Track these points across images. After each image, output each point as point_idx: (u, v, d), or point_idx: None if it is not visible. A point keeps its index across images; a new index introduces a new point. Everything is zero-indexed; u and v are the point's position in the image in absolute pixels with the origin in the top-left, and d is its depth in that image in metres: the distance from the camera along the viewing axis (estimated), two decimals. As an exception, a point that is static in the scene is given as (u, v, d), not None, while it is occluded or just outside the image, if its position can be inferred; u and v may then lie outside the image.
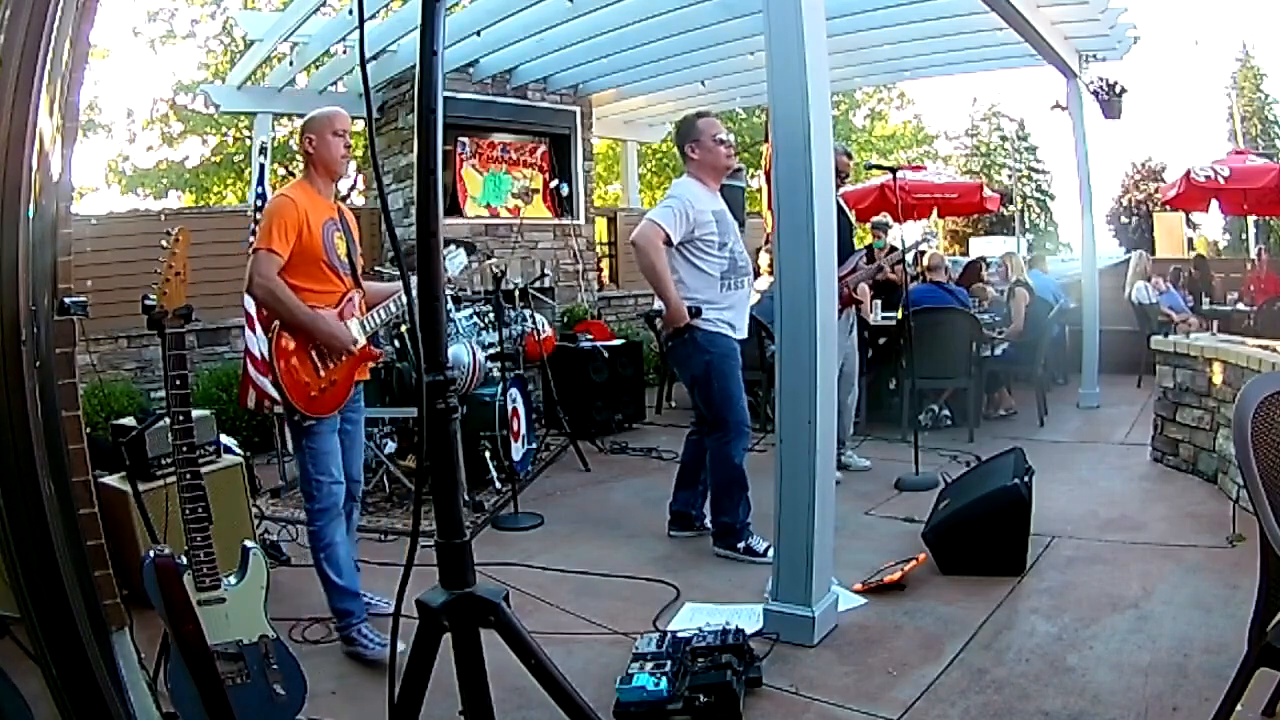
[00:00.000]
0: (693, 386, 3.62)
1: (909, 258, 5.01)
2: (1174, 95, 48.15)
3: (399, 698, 1.29)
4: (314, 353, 2.69)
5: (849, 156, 4.92)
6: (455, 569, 1.27)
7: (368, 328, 2.84)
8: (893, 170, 5.33)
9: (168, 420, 2.02)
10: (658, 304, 3.57)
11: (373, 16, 5.82)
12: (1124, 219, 27.68)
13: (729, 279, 3.52)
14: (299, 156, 3.04)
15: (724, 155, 3.59)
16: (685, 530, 3.77)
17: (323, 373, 2.72)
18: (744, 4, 5.43)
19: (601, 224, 9.22)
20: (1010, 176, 27.93)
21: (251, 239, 5.13)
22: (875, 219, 7.53)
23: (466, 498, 4.22)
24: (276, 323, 2.66)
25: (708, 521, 3.72)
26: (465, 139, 7.00)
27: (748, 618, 2.73)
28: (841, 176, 4.69)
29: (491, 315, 5.00)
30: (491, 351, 4.84)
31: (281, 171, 13.41)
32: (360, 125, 10.73)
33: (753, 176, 8.49)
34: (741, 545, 3.46)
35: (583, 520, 4.17)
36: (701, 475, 3.69)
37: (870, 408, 5.76)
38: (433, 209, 1.21)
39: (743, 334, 3.58)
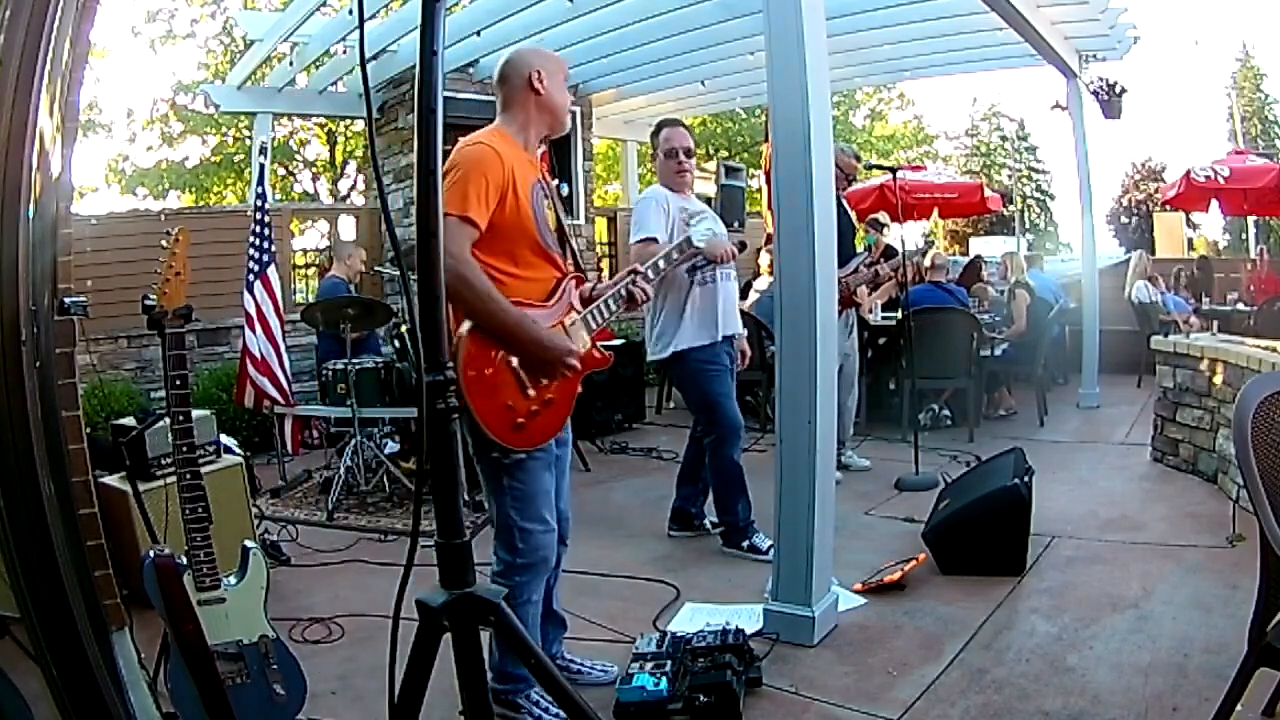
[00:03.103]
0: (682, 390, 3.60)
1: (910, 252, 5.01)
2: (1174, 95, 48.12)
3: (399, 698, 1.29)
4: (517, 362, 2.02)
5: (857, 159, 4.89)
6: (455, 569, 1.27)
7: (594, 323, 2.17)
8: (893, 170, 5.34)
9: (168, 420, 2.01)
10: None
11: (373, 16, 5.82)
12: (1124, 219, 27.66)
13: (694, 275, 3.36)
14: (503, 97, 2.26)
15: (671, 169, 3.49)
16: (684, 529, 3.77)
17: (532, 391, 2.03)
18: (744, 4, 5.45)
19: (601, 224, 9.23)
20: (1010, 176, 27.90)
21: (256, 238, 5.17)
22: (870, 217, 7.53)
23: (466, 498, 4.21)
24: (467, 322, 1.93)
25: (707, 522, 3.73)
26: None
27: (748, 618, 2.73)
28: (849, 179, 4.66)
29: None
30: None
31: (281, 171, 13.43)
32: (362, 125, 10.78)
33: (753, 176, 8.49)
34: (745, 544, 3.47)
35: (583, 520, 4.11)
36: (701, 473, 3.69)
37: (870, 408, 5.75)
38: (433, 209, 1.21)
39: (725, 332, 3.45)
